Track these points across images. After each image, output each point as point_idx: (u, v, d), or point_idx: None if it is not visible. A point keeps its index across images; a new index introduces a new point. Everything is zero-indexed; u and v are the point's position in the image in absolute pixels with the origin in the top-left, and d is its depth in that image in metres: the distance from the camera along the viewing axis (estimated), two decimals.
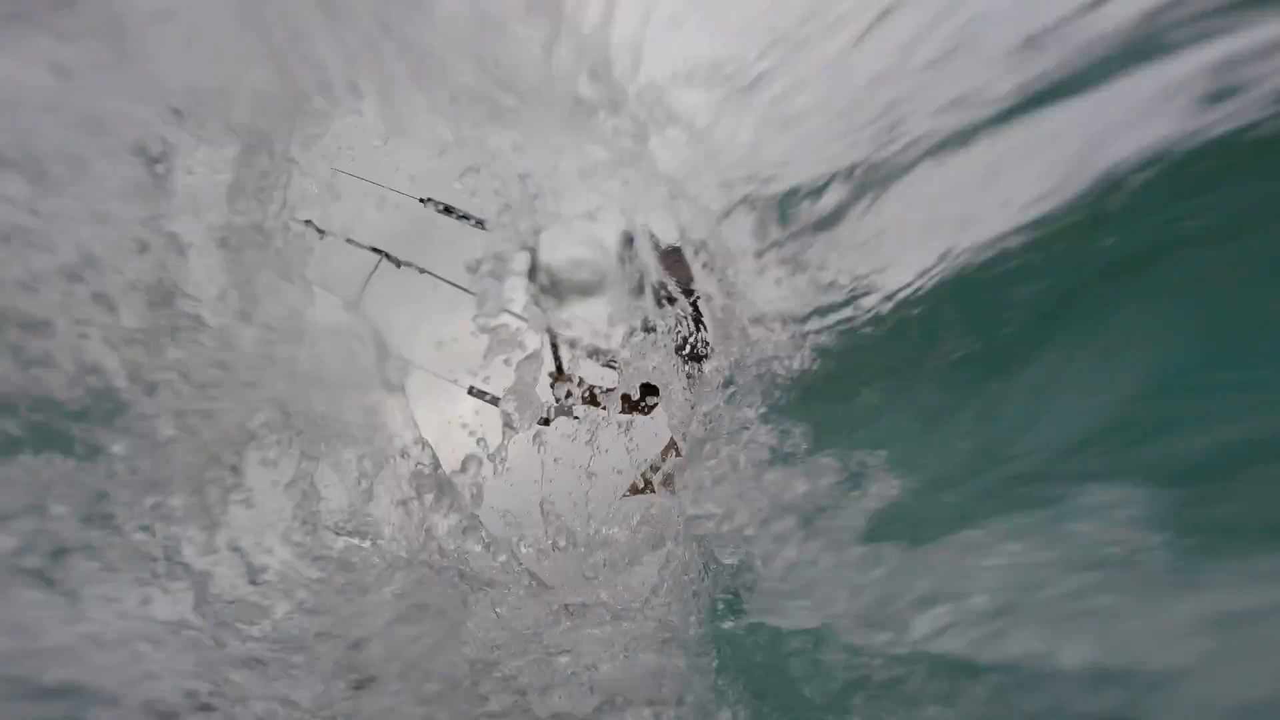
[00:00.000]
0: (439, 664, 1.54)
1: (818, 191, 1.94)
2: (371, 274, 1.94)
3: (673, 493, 1.88)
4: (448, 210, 1.91)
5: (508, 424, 1.71)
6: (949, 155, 1.88)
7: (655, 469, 2.00)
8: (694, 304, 1.90)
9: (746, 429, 1.77)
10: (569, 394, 1.89)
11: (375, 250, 1.98)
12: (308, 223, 1.87)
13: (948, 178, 1.90)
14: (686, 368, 1.89)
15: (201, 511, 1.54)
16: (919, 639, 1.69)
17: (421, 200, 1.89)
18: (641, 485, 1.99)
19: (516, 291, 1.60)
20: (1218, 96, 1.52)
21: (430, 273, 2.03)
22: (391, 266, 1.98)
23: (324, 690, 1.18)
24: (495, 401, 1.94)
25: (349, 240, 1.94)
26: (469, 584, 1.71)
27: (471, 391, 2.11)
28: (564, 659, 1.61)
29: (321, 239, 1.92)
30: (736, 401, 1.83)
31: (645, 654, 1.74)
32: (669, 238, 1.89)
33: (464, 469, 1.70)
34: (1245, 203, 1.56)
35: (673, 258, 1.82)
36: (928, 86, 1.92)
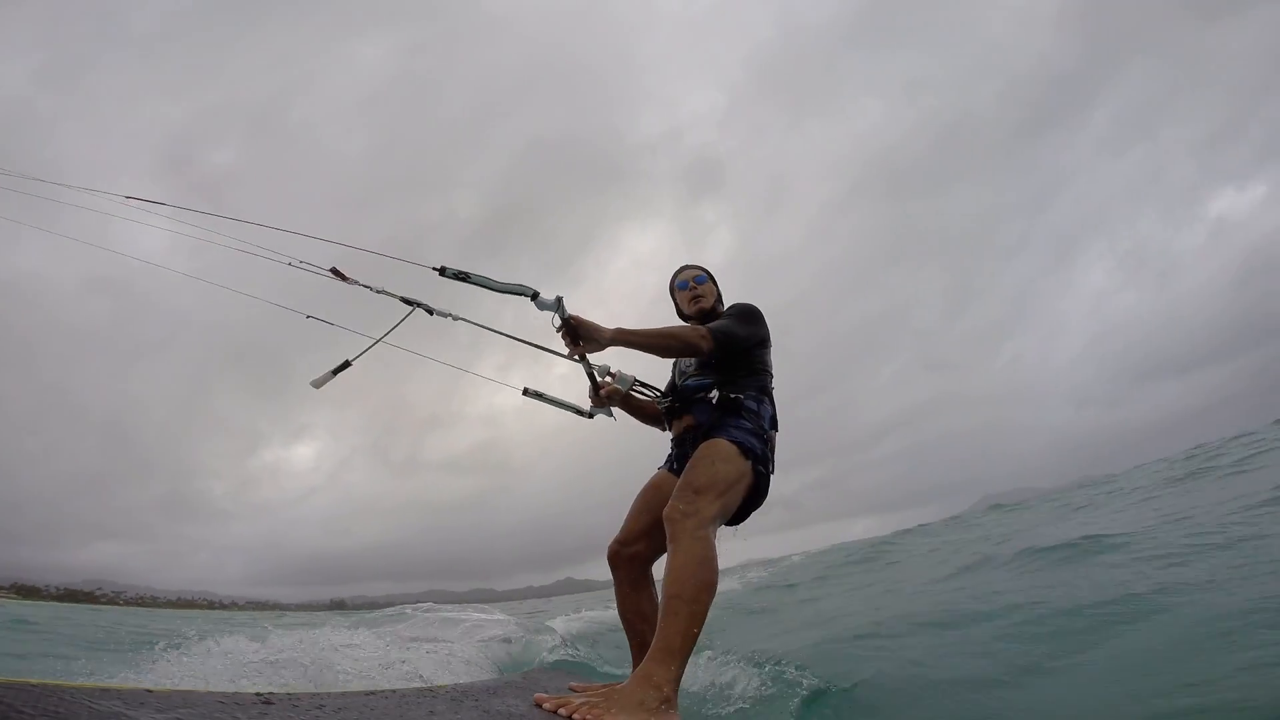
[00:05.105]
0: None
1: None
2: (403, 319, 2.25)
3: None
4: (463, 277, 2.14)
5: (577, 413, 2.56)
6: None
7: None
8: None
9: None
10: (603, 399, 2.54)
11: (407, 301, 2.26)
12: (333, 270, 2.22)
13: None
14: None
15: None
16: None
17: (436, 269, 2.14)
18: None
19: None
20: None
21: (463, 319, 2.31)
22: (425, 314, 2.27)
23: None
24: (550, 401, 2.54)
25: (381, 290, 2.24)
26: None
27: (526, 392, 2.55)
28: None
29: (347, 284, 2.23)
30: None
31: None
32: None
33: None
34: None
35: None
36: None
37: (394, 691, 1.87)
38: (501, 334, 2.42)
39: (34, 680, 0.86)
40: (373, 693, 1.79)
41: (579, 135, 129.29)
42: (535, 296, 2.15)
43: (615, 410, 2.60)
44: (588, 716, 1.67)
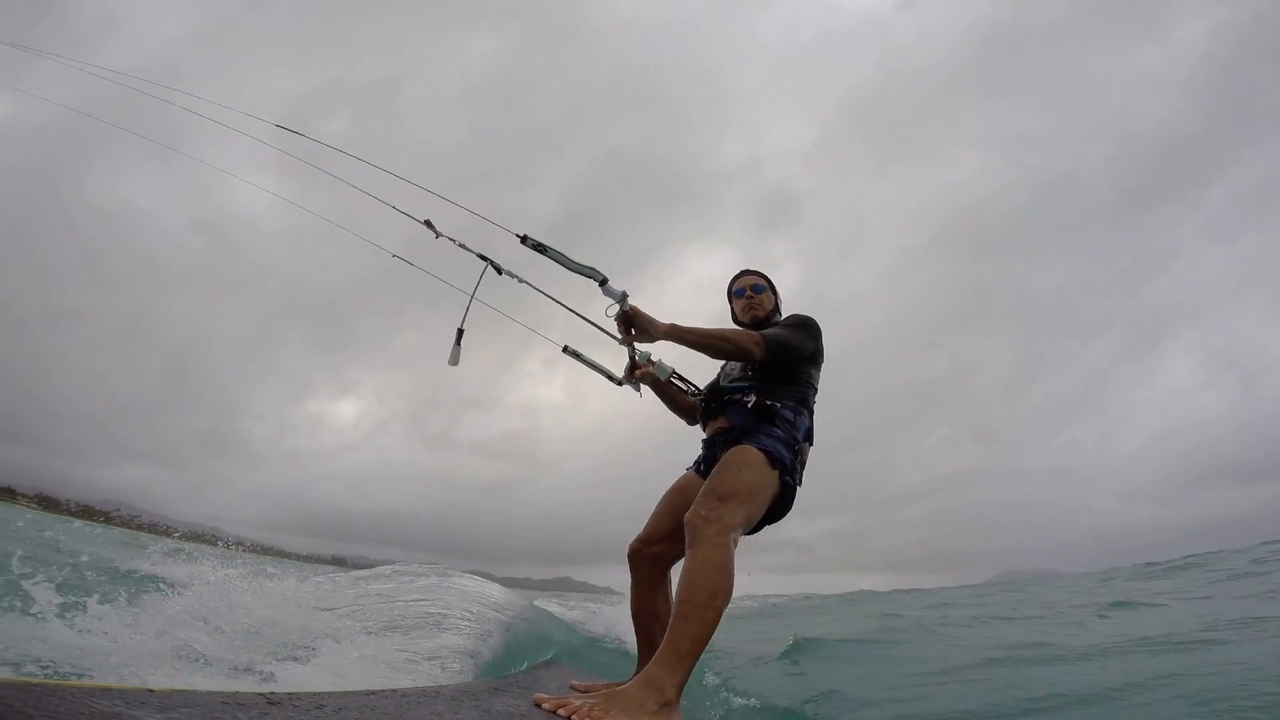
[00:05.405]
0: None
1: None
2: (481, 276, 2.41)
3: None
4: (541, 248, 2.24)
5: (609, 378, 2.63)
6: None
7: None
8: None
9: None
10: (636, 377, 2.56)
11: (482, 257, 2.40)
12: (426, 222, 2.42)
13: None
14: None
15: None
16: None
17: (519, 236, 2.25)
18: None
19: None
20: None
21: (527, 282, 2.44)
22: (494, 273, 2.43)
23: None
24: (586, 362, 2.61)
25: (461, 245, 2.41)
26: None
27: (566, 350, 2.63)
28: None
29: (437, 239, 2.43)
30: None
31: None
32: None
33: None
34: None
35: None
36: None
37: (395, 691, 1.87)
38: (559, 303, 2.47)
39: (34, 680, 0.86)
40: (374, 692, 1.78)
41: (659, 152, 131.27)
42: (604, 283, 2.21)
43: (644, 389, 2.60)
44: (588, 718, 1.66)
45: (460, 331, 2.40)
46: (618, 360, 2.63)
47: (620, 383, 2.58)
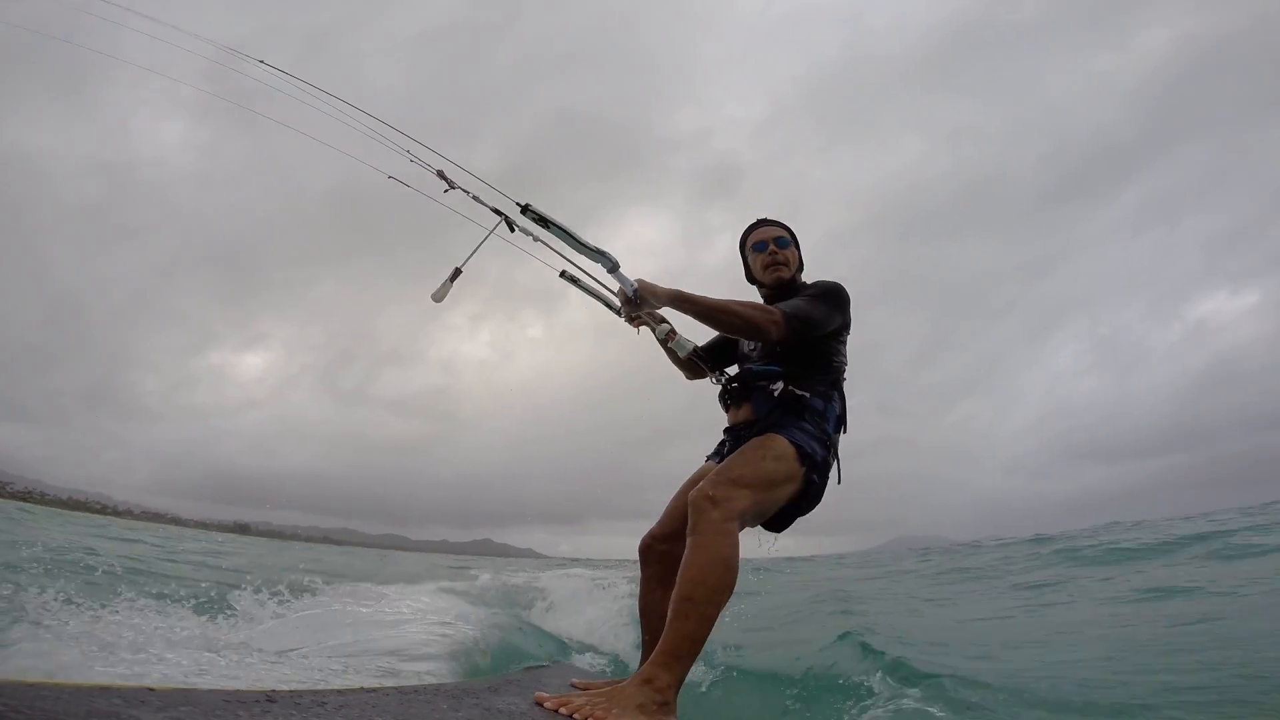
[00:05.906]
0: None
1: None
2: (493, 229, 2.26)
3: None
4: (544, 222, 2.15)
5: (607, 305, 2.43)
6: None
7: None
8: None
9: None
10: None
11: (497, 211, 2.25)
12: (439, 173, 2.25)
13: None
14: None
15: None
16: None
17: (520, 205, 2.16)
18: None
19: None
20: None
21: (543, 241, 2.31)
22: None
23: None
24: (584, 288, 2.44)
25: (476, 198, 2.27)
26: None
27: (564, 275, 2.46)
28: None
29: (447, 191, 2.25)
30: None
31: None
32: None
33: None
34: None
35: None
36: None
37: (395, 689, 1.86)
38: (571, 261, 2.36)
39: (29, 679, 0.85)
40: (374, 689, 1.77)
41: (611, 115, 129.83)
42: (614, 269, 2.10)
43: (642, 329, 2.42)
44: (590, 717, 1.65)
45: (458, 271, 2.27)
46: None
47: (618, 312, 2.42)
